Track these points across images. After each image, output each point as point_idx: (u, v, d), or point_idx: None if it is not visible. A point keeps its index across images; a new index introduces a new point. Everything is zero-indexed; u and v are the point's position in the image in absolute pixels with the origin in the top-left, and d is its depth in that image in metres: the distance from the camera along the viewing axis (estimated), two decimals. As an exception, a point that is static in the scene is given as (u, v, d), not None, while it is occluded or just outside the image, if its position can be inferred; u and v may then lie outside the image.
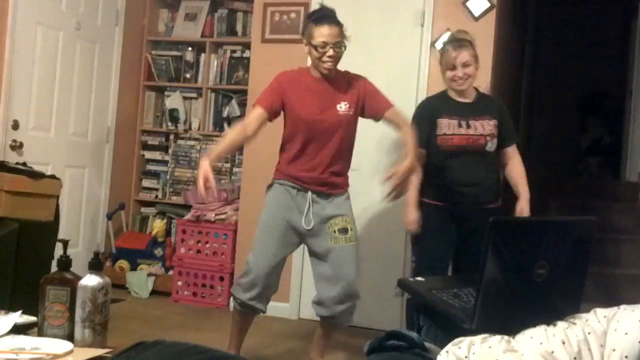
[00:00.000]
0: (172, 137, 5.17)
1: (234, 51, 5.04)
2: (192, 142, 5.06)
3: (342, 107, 3.00)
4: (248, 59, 4.80)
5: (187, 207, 4.84)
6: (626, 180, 5.71)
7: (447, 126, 3.19)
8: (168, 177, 5.13)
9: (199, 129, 5.06)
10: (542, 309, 1.45)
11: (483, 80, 3.99)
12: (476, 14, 4.03)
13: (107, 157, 4.94)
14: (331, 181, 3.04)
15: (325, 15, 2.95)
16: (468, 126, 3.18)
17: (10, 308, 1.80)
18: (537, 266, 1.42)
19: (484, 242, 1.36)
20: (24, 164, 3.56)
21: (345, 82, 3.05)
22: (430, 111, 3.26)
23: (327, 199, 3.04)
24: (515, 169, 3.30)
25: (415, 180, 3.19)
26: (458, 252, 3.25)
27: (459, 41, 3.20)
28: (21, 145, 4.02)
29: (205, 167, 2.75)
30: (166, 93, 5.22)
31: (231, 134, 3.07)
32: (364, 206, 4.01)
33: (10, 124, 3.97)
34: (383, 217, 4.12)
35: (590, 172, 6.84)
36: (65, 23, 4.39)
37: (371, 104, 3.05)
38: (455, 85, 3.19)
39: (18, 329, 1.61)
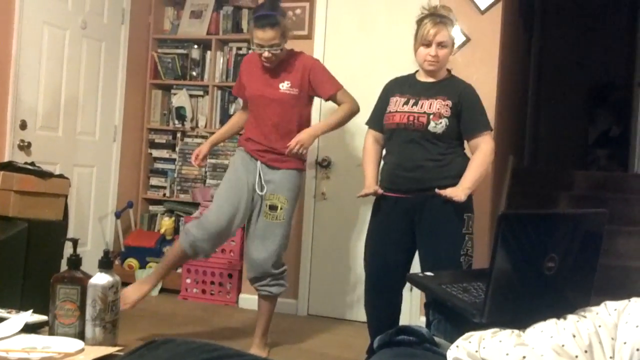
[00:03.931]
0: (179, 135, 5.18)
1: (239, 48, 5.04)
2: (199, 140, 5.06)
3: (284, 85, 3.29)
4: (254, 55, 4.80)
5: (195, 205, 4.85)
6: (635, 172, 5.68)
7: (394, 103, 2.97)
8: (176, 175, 5.14)
9: (205, 126, 5.06)
10: (552, 302, 1.44)
11: (489, 73, 3.99)
12: (482, 7, 4.00)
13: (115, 155, 4.96)
14: (276, 153, 3.30)
15: (263, 16, 3.17)
16: (415, 104, 2.90)
17: (21, 307, 1.81)
18: (546, 259, 1.41)
19: (493, 236, 1.36)
20: (32, 163, 3.57)
21: (291, 64, 3.33)
22: (387, 90, 3.10)
23: (273, 170, 3.31)
24: (472, 157, 2.91)
25: (368, 159, 3.12)
26: (419, 248, 2.96)
27: (441, 17, 2.90)
28: (29, 145, 4.03)
29: (202, 146, 3.56)
30: (172, 91, 5.23)
31: (235, 117, 3.73)
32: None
33: (18, 124, 3.98)
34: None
35: (599, 164, 6.81)
36: (72, 22, 4.40)
37: (316, 84, 3.34)
38: (425, 64, 2.92)
39: (29, 328, 1.62)
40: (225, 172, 3.53)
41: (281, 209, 3.30)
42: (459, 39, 3.99)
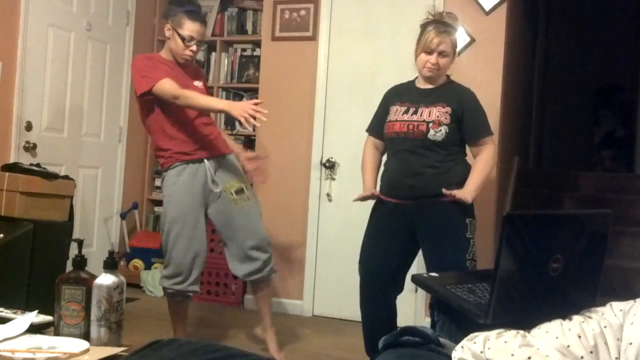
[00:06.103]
0: (184, 136, 5.18)
1: (244, 50, 5.05)
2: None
3: (198, 83, 3.30)
4: (258, 57, 4.81)
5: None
6: (640, 173, 5.67)
7: (394, 112, 2.97)
8: (180, 176, 5.13)
9: (210, 127, 5.06)
10: (557, 303, 1.44)
11: (494, 74, 3.98)
12: (487, 8, 4.00)
13: (120, 156, 4.97)
14: (218, 142, 3.27)
15: (197, 13, 3.21)
16: (415, 113, 2.91)
17: (27, 308, 1.82)
18: (552, 260, 1.41)
19: (498, 236, 1.36)
20: (38, 165, 3.58)
21: (193, 69, 3.39)
22: (387, 98, 3.11)
23: (223, 160, 3.25)
24: (475, 161, 2.93)
25: (367, 164, 3.14)
26: (425, 255, 2.96)
27: (445, 25, 2.90)
28: (35, 146, 4.05)
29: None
30: (177, 92, 5.22)
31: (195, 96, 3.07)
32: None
33: (24, 125, 3.99)
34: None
35: (604, 165, 6.79)
36: (77, 24, 4.41)
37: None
38: (425, 70, 2.92)
39: (34, 329, 1.63)
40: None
41: (246, 188, 3.28)
42: (463, 40, 4.00)
